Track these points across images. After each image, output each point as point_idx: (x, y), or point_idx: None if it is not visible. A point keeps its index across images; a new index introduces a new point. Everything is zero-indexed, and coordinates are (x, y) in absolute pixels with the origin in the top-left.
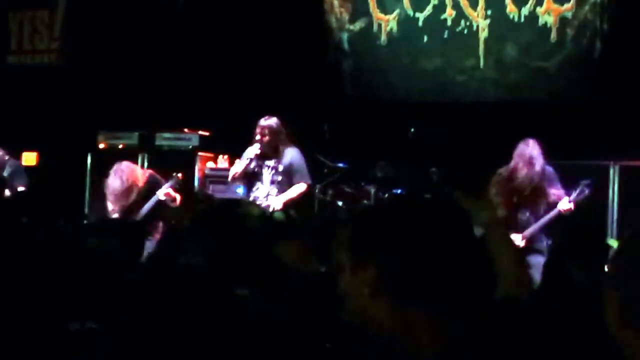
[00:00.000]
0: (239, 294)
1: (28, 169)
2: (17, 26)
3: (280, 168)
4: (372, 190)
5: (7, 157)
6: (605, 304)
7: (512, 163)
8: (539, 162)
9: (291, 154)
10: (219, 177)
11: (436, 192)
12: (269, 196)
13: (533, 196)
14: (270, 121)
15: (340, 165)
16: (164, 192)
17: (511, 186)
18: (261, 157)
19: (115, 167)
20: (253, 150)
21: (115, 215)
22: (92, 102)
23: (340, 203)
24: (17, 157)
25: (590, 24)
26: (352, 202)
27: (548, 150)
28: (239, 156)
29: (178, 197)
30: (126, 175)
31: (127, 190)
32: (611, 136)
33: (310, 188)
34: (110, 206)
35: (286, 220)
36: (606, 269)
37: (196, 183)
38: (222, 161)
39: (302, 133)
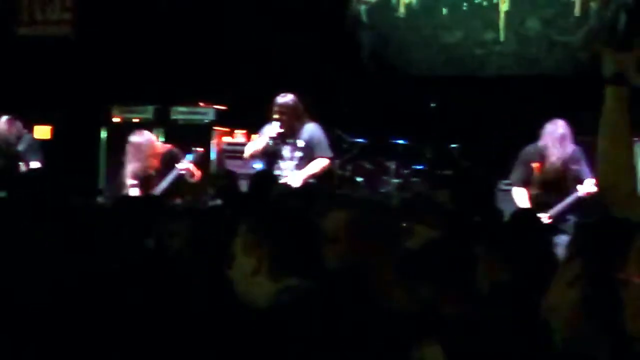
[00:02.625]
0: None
1: (42, 143)
2: None
3: (300, 144)
4: (392, 167)
5: (24, 131)
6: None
7: (541, 142)
8: (569, 143)
9: (310, 130)
10: (236, 152)
11: (456, 169)
12: (290, 173)
13: (560, 176)
14: (287, 99)
15: (359, 140)
16: (184, 166)
17: (540, 165)
18: (280, 135)
19: (133, 137)
20: (272, 129)
21: (133, 190)
22: (106, 74)
23: (359, 179)
24: (29, 130)
25: None
26: (372, 178)
27: (572, 126)
28: (256, 131)
29: (198, 172)
30: (145, 145)
31: (146, 160)
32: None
33: (331, 162)
34: (127, 181)
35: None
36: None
37: (213, 158)
38: (239, 136)
39: (321, 108)
